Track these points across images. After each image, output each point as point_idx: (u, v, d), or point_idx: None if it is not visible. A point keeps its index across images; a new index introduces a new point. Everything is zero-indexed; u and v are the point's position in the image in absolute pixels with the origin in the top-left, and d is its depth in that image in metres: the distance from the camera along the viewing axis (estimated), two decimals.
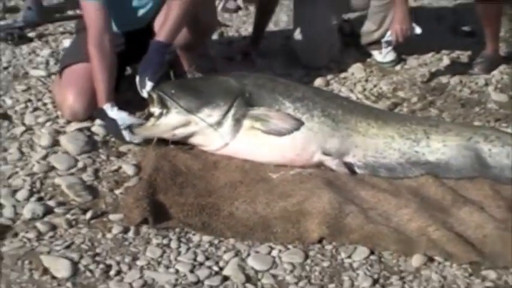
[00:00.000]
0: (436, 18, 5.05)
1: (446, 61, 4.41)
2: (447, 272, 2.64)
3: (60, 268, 2.52)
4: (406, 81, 4.16)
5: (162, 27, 3.38)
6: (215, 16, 3.94)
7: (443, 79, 4.21)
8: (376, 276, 2.60)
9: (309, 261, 2.67)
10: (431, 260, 2.68)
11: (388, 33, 4.02)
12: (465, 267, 2.65)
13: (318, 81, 4.08)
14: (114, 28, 3.50)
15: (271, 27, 4.66)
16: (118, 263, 2.58)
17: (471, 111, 3.88)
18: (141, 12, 3.62)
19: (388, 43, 4.03)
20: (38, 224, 2.75)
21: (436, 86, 4.14)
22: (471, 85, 4.17)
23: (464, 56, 4.51)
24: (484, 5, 4.21)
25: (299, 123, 3.19)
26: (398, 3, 3.95)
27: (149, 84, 3.27)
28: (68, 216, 2.81)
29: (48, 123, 3.43)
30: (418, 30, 3.99)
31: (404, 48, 4.36)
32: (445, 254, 2.69)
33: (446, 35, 4.80)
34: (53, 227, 2.75)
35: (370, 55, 4.40)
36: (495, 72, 4.29)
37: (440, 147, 3.23)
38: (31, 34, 4.37)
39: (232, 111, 3.20)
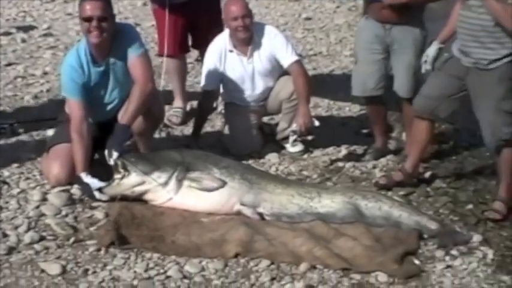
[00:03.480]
0: (341, 124, 6.27)
1: (344, 152, 5.58)
2: (325, 274, 3.80)
3: (53, 269, 3.66)
4: (310, 165, 5.32)
5: (124, 114, 4.61)
6: (163, 111, 5.21)
7: (340, 164, 5.36)
8: (274, 275, 3.75)
9: (227, 268, 3.82)
10: (314, 267, 3.84)
11: (294, 125, 5.28)
12: (338, 272, 3.81)
13: None
14: (90, 120, 4.71)
15: (208, 129, 5.90)
16: (94, 267, 3.72)
17: (359, 185, 5.01)
18: (109, 107, 4.87)
19: (294, 132, 5.29)
20: (35, 246, 3.90)
21: (334, 168, 5.28)
22: (362, 168, 5.31)
23: (360, 149, 5.63)
24: (372, 108, 5.52)
25: (223, 183, 4.39)
26: (301, 104, 5.25)
27: (115, 154, 4.43)
28: (57, 241, 3.95)
29: (38, 187, 4.59)
30: (316, 123, 5.27)
31: (311, 143, 5.61)
32: (324, 264, 3.86)
33: (348, 136, 5.93)
34: (46, 248, 3.90)
35: (283, 147, 5.59)
36: (383, 159, 5.45)
37: (329, 203, 4.38)
38: (20, 130, 5.56)
39: (175, 174, 4.40)
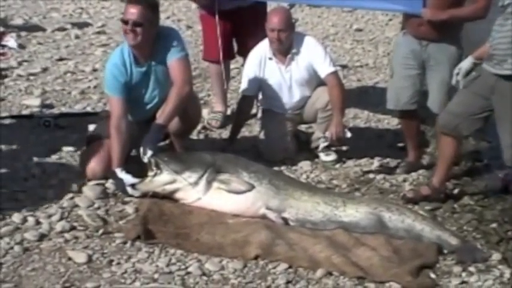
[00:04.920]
0: (378, 136, 6.35)
1: (376, 164, 5.66)
2: (340, 281, 3.91)
3: (80, 257, 3.86)
4: (341, 174, 5.42)
5: (161, 115, 4.81)
6: (199, 114, 5.39)
7: (371, 175, 5.45)
8: (290, 279, 3.88)
9: (246, 268, 3.97)
10: (330, 274, 3.96)
11: (327, 133, 5.40)
12: (353, 280, 3.92)
13: None
14: (130, 118, 4.91)
15: (246, 133, 6.05)
16: (118, 259, 3.91)
17: (387, 197, 5.09)
18: (149, 106, 5.07)
19: (325, 139, 5.43)
20: (66, 234, 4.12)
21: (364, 179, 5.38)
22: (392, 181, 5.39)
23: (393, 162, 5.69)
24: (406, 122, 5.61)
25: (251, 187, 4.53)
26: (335, 114, 5.38)
27: (149, 153, 4.62)
28: (86, 232, 4.16)
29: (75, 179, 4.81)
30: (348, 134, 5.40)
31: (345, 153, 5.72)
32: (340, 271, 3.98)
33: (383, 149, 6.00)
34: (76, 237, 4.11)
35: (317, 156, 5.69)
36: (414, 174, 5.51)
37: (353, 212, 4.48)
38: (64, 124, 5.81)
39: (206, 175, 4.57)
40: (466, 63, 4.86)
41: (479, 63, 4.80)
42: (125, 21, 4.79)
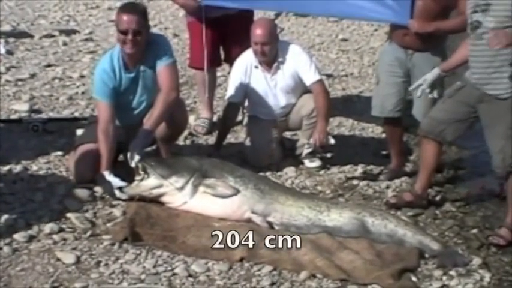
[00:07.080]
0: (362, 144, 6.44)
1: (360, 170, 5.75)
2: (323, 283, 3.99)
3: (68, 258, 3.93)
4: (325, 181, 5.51)
5: (148, 120, 4.88)
6: (186, 119, 5.45)
7: (355, 182, 5.54)
8: (274, 281, 3.96)
9: (231, 270, 4.04)
10: (314, 276, 4.04)
11: (311, 139, 5.49)
12: (336, 282, 4.00)
13: None
14: (117, 123, 4.98)
15: (232, 140, 6.13)
16: (106, 260, 3.98)
17: (370, 203, 5.18)
18: (137, 111, 5.14)
19: (310, 145, 5.53)
20: (54, 236, 4.18)
21: (348, 185, 5.47)
22: (375, 187, 5.48)
23: (376, 169, 5.79)
24: (390, 128, 5.71)
25: (236, 191, 4.61)
26: (320, 121, 5.46)
27: (137, 157, 4.69)
28: (75, 234, 4.22)
29: (63, 183, 4.88)
30: (332, 141, 5.49)
31: (330, 160, 5.81)
32: (324, 273, 4.06)
33: (367, 156, 6.09)
34: (64, 239, 4.17)
35: (302, 162, 5.78)
36: (397, 180, 5.61)
37: (337, 217, 4.57)
38: (52, 129, 5.88)
39: (192, 180, 4.64)
40: (431, 75, 4.99)
41: (446, 76, 5.00)
42: (123, 31, 4.83)
